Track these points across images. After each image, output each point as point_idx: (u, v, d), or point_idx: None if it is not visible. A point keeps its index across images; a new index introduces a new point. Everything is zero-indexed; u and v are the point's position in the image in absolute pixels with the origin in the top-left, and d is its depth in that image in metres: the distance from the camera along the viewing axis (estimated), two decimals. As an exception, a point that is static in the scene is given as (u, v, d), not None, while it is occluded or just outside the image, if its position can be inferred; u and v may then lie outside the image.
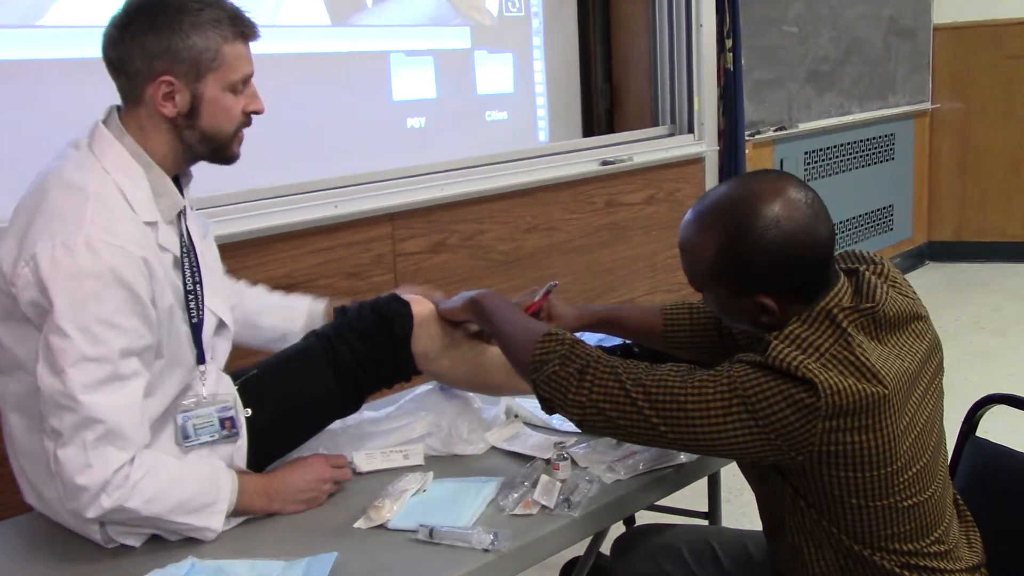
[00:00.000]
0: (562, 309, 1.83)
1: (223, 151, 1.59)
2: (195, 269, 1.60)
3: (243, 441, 1.64)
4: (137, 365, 1.46)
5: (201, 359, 1.61)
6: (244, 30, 1.55)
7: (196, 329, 1.59)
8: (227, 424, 1.61)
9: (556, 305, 1.83)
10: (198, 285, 1.60)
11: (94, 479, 1.42)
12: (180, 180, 1.64)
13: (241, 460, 1.63)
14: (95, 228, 1.42)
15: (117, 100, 1.57)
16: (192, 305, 1.59)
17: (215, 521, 1.53)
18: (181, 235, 1.59)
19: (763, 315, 1.37)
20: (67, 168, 1.50)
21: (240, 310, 1.87)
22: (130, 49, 1.50)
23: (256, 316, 1.93)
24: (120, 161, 1.52)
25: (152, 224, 1.52)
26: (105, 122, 1.55)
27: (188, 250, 1.59)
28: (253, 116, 1.61)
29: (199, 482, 1.53)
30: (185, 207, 1.62)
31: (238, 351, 1.77)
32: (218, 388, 1.64)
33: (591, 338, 1.90)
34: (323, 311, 1.96)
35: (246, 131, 1.62)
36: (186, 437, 1.58)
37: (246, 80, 1.58)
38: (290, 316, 1.96)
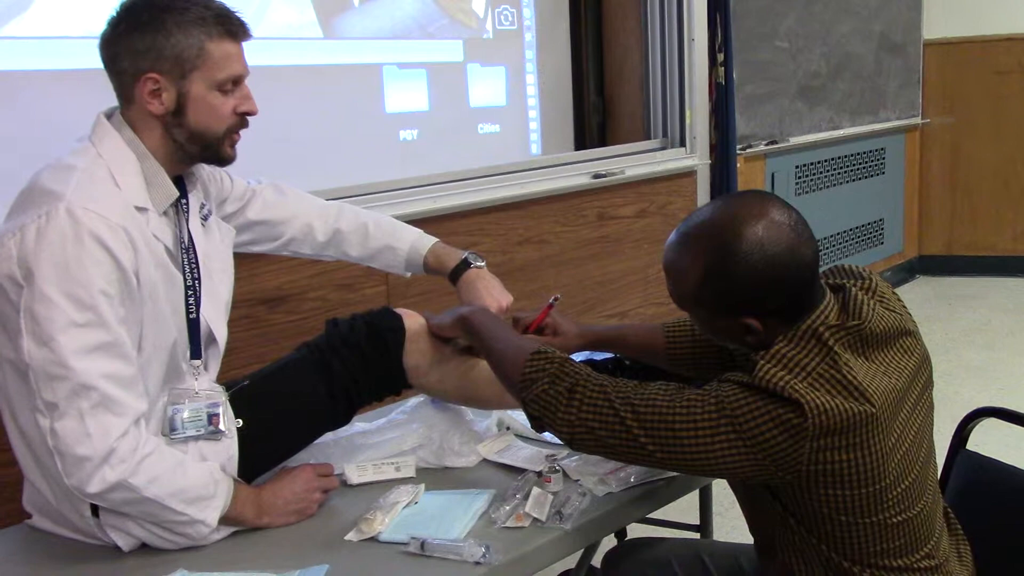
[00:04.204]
0: (566, 327, 1.84)
1: (214, 151, 1.60)
2: (194, 266, 1.61)
3: (234, 450, 1.63)
4: (125, 334, 1.46)
5: (197, 354, 1.62)
6: (231, 28, 1.55)
7: (193, 325, 1.60)
8: (214, 420, 1.61)
9: (560, 323, 1.84)
10: (197, 282, 1.61)
11: (96, 449, 1.41)
12: (185, 181, 1.66)
13: (232, 470, 1.63)
14: (76, 196, 1.44)
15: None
16: (191, 301, 1.60)
17: (211, 516, 1.53)
18: (178, 229, 1.61)
19: (748, 335, 1.37)
20: (65, 155, 1.54)
21: (344, 254, 2.01)
22: (119, 48, 1.53)
23: (362, 261, 2.03)
24: (115, 148, 1.54)
25: (143, 210, 1.54)
26: (108, 116, 1.58)
27: (187, 247, 1.61)
28: (248, 119, 1.62)
29: (199, 474, 1.53)
30: (185, 204, 1.64)
31: (229, 363, 1.77)
32: (208, 386, 1.65)
33: (581, 352, 1.90)
34: (423, 255, 1.99)
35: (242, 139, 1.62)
36: (173, 429, 1.58)
37: (236, 80, 1.58)
38: (389, 263, 2.02)
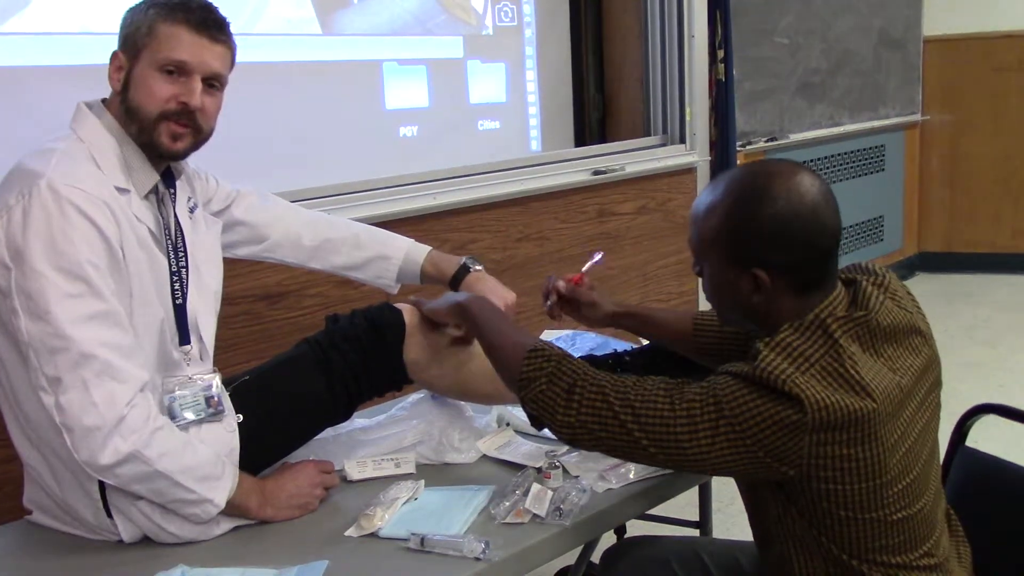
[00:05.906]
0: (598, 297, 1.84)
1: (147, 134, 1.57)
2: (181, 254, 1.62)
3: (235, 444, 1.63)
4: (118, 304, 1.47)
5: (186, 340, 1.62)
6: (187, 15, 1.55)
7: (180, 311, 1.61)
8: (212, 402, 1.62)
9: (595, 294, 1.84)
10: (183, 269, 1.62)
11: (104, 418, 1.41)
12: (172, 171, 1.67)
13: (234, 464, 1.63)
14: (57, 172, 1.47)
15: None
16: (177, 286, 1.61)
17: (219, 495, 1.53)
18: (161, 216, 1.62)
19: (755, 294, 1.36)
20: (46, 141, 1.56)
21: (330, 264, 1.97)
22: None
23: (348, 270, 2.00)
24: (94, 132, 1.57)
25: (124, 192, 1.55)
26: (90, 105, 1.60)
27: (171, 232, 1.62)
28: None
29: (207, 453, 1.54)
30: (173, 193, 1.65)
31: (229, 359, 1.77)
32: (200, 370, 1.65)
33: (582, 347, 1.90)
34: (420, 264, 1.99)
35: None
36: (172, 417, 1.58)
37: (181, 67, 1.55)
38: (380, 273, 2.00)
